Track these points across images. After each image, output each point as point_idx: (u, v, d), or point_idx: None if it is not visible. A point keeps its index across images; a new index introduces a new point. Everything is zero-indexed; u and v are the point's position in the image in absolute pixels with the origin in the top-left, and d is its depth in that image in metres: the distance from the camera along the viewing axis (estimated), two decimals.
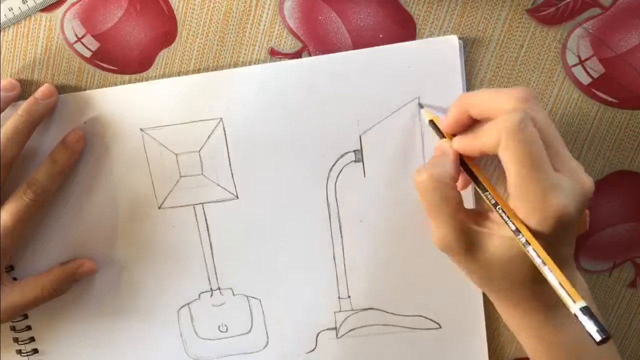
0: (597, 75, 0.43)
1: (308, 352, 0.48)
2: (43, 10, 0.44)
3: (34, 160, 0.45)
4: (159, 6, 0.44)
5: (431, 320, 0.46)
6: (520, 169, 0.35)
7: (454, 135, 0.40)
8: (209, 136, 0.44)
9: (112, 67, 0.45)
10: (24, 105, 0.43)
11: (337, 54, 0.43)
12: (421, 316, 0.46)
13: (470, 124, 0.39)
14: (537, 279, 0.36)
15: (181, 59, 0.44)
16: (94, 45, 0.44)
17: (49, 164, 0.43)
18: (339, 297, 0.47)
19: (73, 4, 0.44)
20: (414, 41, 0.42)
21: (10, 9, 0.44)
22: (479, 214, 0.39)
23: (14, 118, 0.42)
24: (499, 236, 0.37)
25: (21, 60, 0.45)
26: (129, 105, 0.44)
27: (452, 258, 0.39)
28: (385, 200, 0.44)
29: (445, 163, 0.39)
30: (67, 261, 0.46)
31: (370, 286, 0.46)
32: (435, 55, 0.42)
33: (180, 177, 0.45)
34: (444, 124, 0.40)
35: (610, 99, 0.43)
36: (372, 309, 0.47)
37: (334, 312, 0.47)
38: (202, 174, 0.45)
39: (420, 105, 0.43)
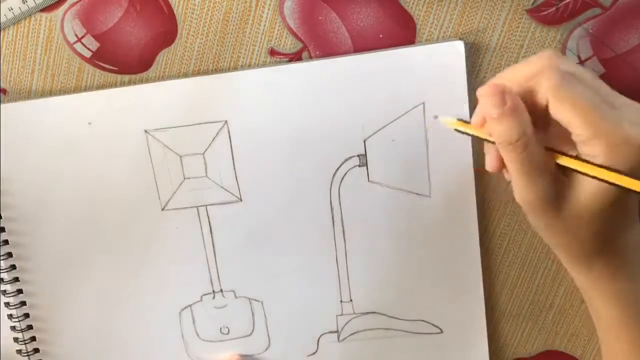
0: (597, 75, 0.42)
1: (309, 355, 0.48)
2: (43, 10, 0.44)
3: (38, 162, 0.45)
4: (159, 6, 0.44)
5: (433, 324, 0.46)
6: (585, 116, 0.33)
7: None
8: (213, 139, 0.44)
9: (112, 67, 0.45)
10: None
11: (342, 57, 0.43)
12: (423, 321, 0.46)
13: None
14: (630, 228, 0.36)
15: (181, 59, 0.44)
16: (94, 45, 0.44)
17: None
18: (341, 301, 0.47)
19: (73, 4, 0.44)
20: (419, 46, 0.42)
21: (10, 9, 0.44)
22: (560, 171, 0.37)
23: None
24: (589, 186, 0.35)
25: (21, 60, 0.45)
26: (134, 107, 0.44)
27: (535, 214, 0.37)
28: (388, 205, 0.44)
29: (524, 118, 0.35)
30: None
31: (373, 290, 0.46)
32: (441, 60, 0.42)
33: (184, 179, 0.45)
34: (479, 109, 0.37)
35: None
36: (374, 312, 0.47)
37: (336, 316, 0.47)
38: (206, 176, 0.45)
39: (435, 117, 0.43)
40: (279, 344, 0.48)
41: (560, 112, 0.34)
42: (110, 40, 0.44)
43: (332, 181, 0.45)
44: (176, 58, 0.44)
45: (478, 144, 0.43)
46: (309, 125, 0.44)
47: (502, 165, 0.37)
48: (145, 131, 0.44)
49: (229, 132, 0.44)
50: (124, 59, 0.44)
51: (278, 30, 0.43)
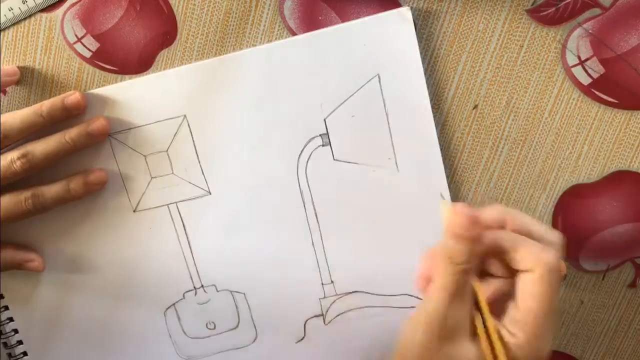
0: (597, 75, 0.43)
1: (298, 342, 0.48)
2: (43, 10, 0.44)
3: None
4: (159, 6, 0.44)
5: (417, 297, 0.46)
6: (540, 308, 0.34)
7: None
8: (174, 134, 0.44)
9: (112, 67, 0.45)
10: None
11: (292, 38, 0.43)
12: (406, 294, 0.46)
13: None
14: None
15: (181, 59, 0.44)
16: (94, 45, 0.44)
17: (62, 190, 0.44)
18: (322, 283, 0.46)
19: (73, 4, 0.44)
20: (366, 17, 0.42)
21: (10, 9, 0.44)
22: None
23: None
24: (477, 347, 0.35)
25: (21, 60, 0.45)
26: (95, 111, 0.44)
27: (425, 333, 0.35)
28: (357, 181, 0.44)
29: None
30: (21, 247, 0.46)
31: (353, 269, 0.46)
32: (390, 30, 0.42)
33: (151, 178, 0.45)
34: (483, 215, 0.37)
35: (610, 99, 0.43)
36: (356, 292, 0.47)
37: (319, 299, 0.47)
38: (173, 173, 0.45)
39: (442, 196, 0.43)
40: (267, 334, 0.48)
41: (533, 285, 0.34)
42: (110, 40, 0.44)
43: (297, 164, 0.45)
44: (176, 58, 0.44)
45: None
46: (267, 110, 0.44)
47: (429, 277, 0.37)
48: (109, 135, 0.44)
49: (189, 126, 0.44)
50: (124, 59, 0.44)
51: (278, 30, 0.43)
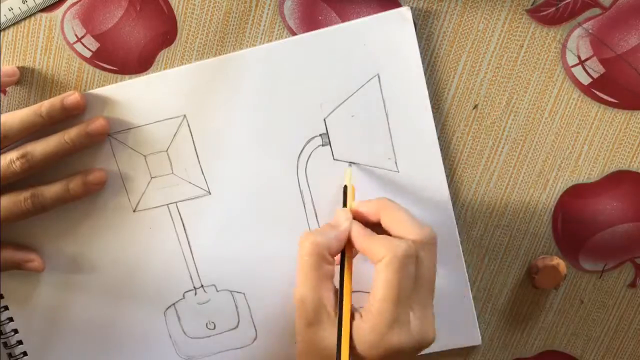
0: (597, 75, 0.43)
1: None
2: (43, 10, 0.44)
3: None
4: (159, 6, 0.44)
5: None
6: (384, 294, 0.36)
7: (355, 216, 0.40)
8: (174, 134, 0.44)
9: (112, 67, 0.45)
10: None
11: (291, 38, 0.43)
12: None
13: (373, 224, 0.40)
14: None
15: (181, 59, 0.44)
16: (94, 45, 0.44)
17: (62, 190, 0.44)
18: None
19: (73, 4, 0.44)
20: (366, 17, 0.42)
21: (10, 9, 0.44)
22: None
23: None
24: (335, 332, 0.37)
25: (21, 60, 0.45)
26: (94, 112, 0.44)
27: (297, 318, 0.38)
28: (357, 181, 0.44)
29: (331, 236, 0.39)
30: (21, 247, 0.46)
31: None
32: (390, 29, 0.42)
33: (151, 178, 0.45)
34: (361, 206, 0.41)
35: (610, 99, 0.43)
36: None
37: None
38: (172, 172, 0.45)
39: (350, 164, 0.44)
40: (266, 334, 0.48)
41: (379, 272, 0.37)
42: (110, 40, 0.44)
43: (297, 164, 0.45)
44: (176, 58, 0.44)
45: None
46: (267, 109, 0.44)
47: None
48: (108, 135, 0.44)
49: (189, 126, 0.44)
50: (124, 59, 0.44)
51: (278, 30, 0.43)
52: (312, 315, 0.37)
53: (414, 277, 0.37)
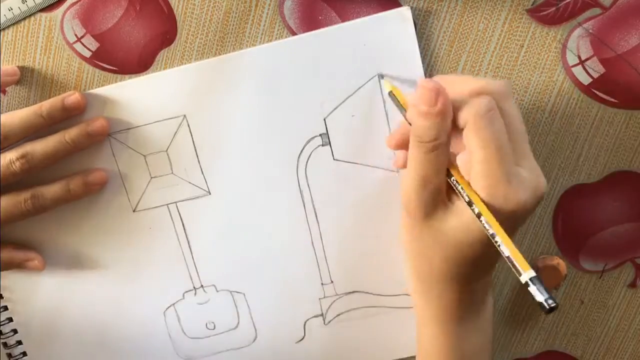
0: (597, 75, 0.43)
1: (298, 342, 0.48)
2: (43, 10, 0.44)
3: None
4: (159, 6, 0.44)
5: None
6: (486, 154, 0.34)
7: None
8: (174, 134, 0.44)
9: (112, 67, 0.45)
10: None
11: (292, 38, 0.43)
12: (406, 295, 0.46)
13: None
14: (473, 276, 0.37)
15: (181, 59, 0.44)
16: (94, 45, 0.44)
17: (62, 191, 0.43)
18: (322, 283, 0.46)
19: (73, 4, 0.44)
20: (367, 17, 0.42)
21: (10, 9, 0.44)
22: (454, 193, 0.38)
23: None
24: (462, 215, 0.36)
25: (21, 60, 0.45)
26: (94, 112, 0.44)
27: (407, 218, 0.38)
28: (357, 181, 0.44)
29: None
30: (21, 246, 0.46)
31: (352, 269, 0.46)
32: (390, 29, 0.42)
33: (151, 178, 0.45)
34: (413, 97, 0.38)
35: (610, 99, 0.43)
36: (356, 292, 0.47)
37: (319, 299, 0.47)
38: (172, 173, 0.45)
39: (381, 76, 0.43)
40: (266, 334, 0.48)
41: (470, 137, 0.35)
42: (110, 40, 0.44)
43: (297, 164, 0.45)
44: (176, 58, 0.44)
45: None
46: (267, 109, 0.44)
47: (405, 162, 0.38)
48: (108, 135, 0.44)
49: (188, 126, 0.44)
50: (124, 59, 0.44)
51: (278, 30, 0.43)
52: (425, 211, 0.37)
53: (504, 127, 0.35)
